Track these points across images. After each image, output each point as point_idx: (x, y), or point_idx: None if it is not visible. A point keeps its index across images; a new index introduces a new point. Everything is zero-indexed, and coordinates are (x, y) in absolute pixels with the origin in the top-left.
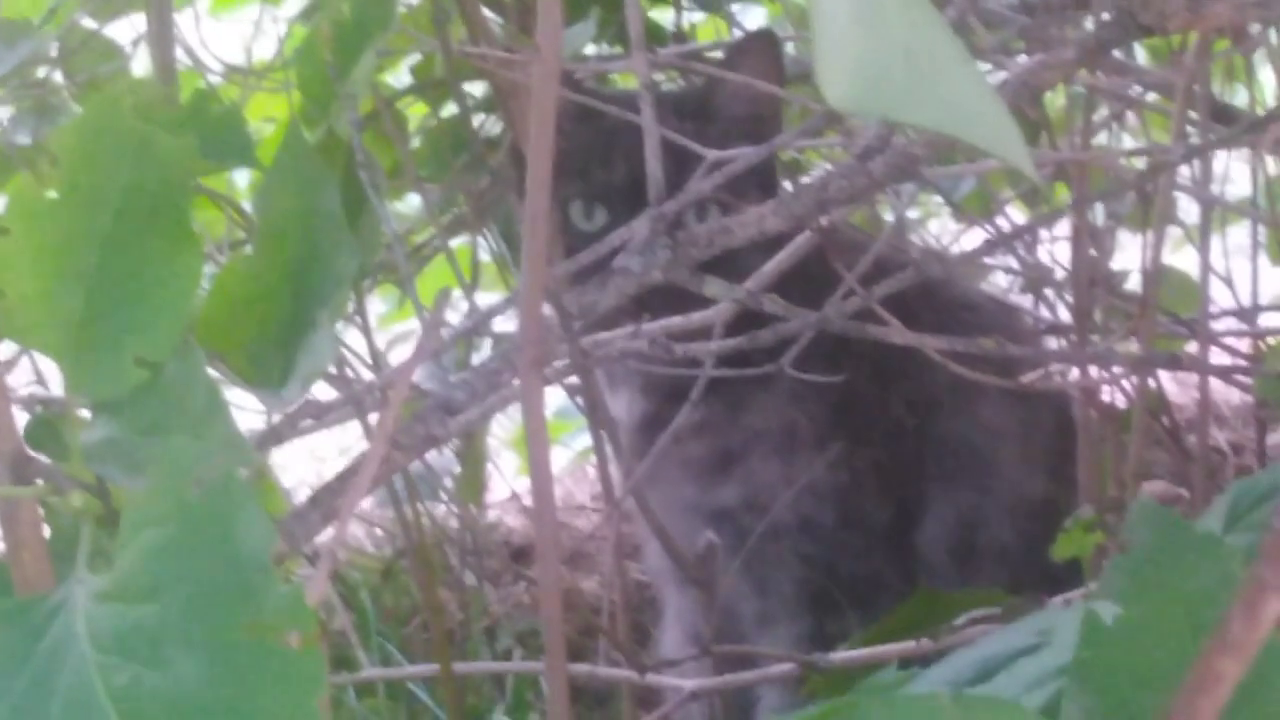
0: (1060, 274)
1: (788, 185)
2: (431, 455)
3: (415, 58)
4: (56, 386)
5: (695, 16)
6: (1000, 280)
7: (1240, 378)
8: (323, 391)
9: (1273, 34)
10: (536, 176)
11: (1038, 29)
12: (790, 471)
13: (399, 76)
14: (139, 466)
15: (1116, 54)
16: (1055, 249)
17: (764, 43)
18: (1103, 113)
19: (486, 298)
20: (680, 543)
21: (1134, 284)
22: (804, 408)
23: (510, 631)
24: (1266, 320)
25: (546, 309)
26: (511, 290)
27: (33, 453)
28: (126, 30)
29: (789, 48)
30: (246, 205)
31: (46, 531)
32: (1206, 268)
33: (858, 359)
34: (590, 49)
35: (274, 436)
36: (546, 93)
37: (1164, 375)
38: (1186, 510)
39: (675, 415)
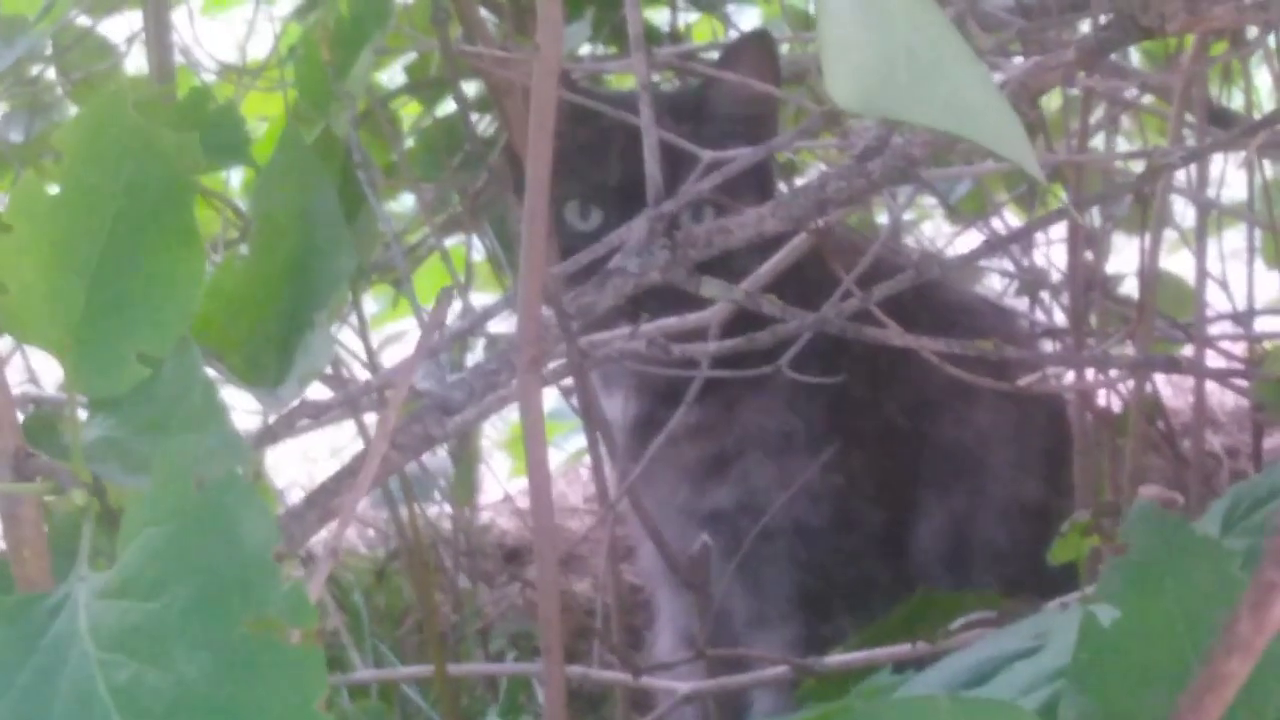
0: (1056, 277)
1: (783, 186)
2: (426, 456)
3: (408, 57)
4: (51, 385)
5: (690, 16)
6: (996, 283)
7: (1236, 381)
8: (318, 391)
9: (1270, 37)
10: (535, 178)
11: (1036, 31)
12: (785, 474)
13: (392, 76)
14: (136, 465)
15: (1113, 56)
16: (1051, 251)
17: (759, 43)
18: (1098, 114)
19: (480, 297)
20: (674, 545)
21: (1129, 287)
22: (799, 410)
23: (504, 633)
24: (1262, 324)
25: (544, 310)
26: (506, 289)
27: (32, 450)
28: (121, 28)
29: (784, 48)
30: (240, 202)
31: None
32: (1203, 272)
33: (853, 362)
34: (585, 49)
35: (270, 436)
36: (546, 95)
37: (1159, 379)
38: (1181, 515)
39: (670, 417)
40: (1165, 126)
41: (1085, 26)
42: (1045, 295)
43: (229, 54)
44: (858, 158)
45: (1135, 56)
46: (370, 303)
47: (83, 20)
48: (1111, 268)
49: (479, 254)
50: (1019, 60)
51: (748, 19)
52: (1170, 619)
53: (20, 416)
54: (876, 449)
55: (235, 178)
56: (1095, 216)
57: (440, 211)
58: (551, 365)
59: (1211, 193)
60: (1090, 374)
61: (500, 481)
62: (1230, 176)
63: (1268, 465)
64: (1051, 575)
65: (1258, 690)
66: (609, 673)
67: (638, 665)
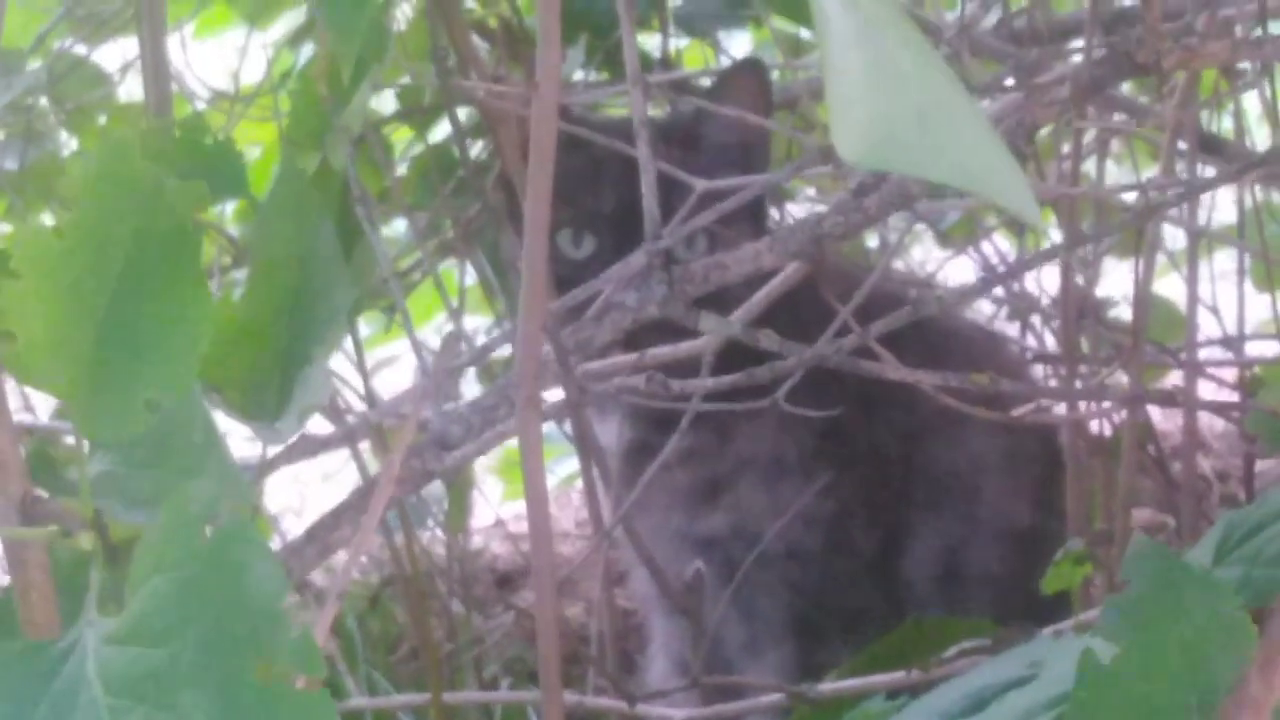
0: (1046, 301)
1: (775, 212)
2: None
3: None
4: (46, 413)
5: (681, 42)
6: (986, 308)
7: (1227, 383)
8: (314, 420)
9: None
10: (535, 217)
11: (1031, 70)
12: (777, 500)
13: (383, 100)
14: (138, 501)
15: None
16: (1041, 275)
17: (751, 71)
18: (1089, 136)
19: (472, 320)
20: (668, 571)
21: (1120, 309)
22: (791, 436)
23: (498, 660)
24: (1253, 348)
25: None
26: (498, 313)
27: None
28: (114, 56)
29: (775, 75)
30: (232, 230)
31: None
32: (1194, 299)
33: (845, 387)
34: (578, 75)
35: (268, 469)
36: (545, 134)
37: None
38: (1172, 538)
39: (663, 443)
40: (1155, 150)
41: (1077, 55)
42: (1036, 320)
43: (222, 80)
44: (854, 193)
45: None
46: (363, 325)
47: (76, 48)
48: (1102, 291)
49: (471, 277)
50: (1010, 82)
51: (738, 44)
52: (1169, 656)
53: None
54: (869, 474)
55: (228, 205)
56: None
57: (433, 237)
58: (549, 399)
59: (1202, 215)
60: (1083, 403)
61: (492, 506)
62: (1220, 198)
63: (1259, 491)
64: (1044, 600)
65: None
66: (604, 700)
67: (632, 693)
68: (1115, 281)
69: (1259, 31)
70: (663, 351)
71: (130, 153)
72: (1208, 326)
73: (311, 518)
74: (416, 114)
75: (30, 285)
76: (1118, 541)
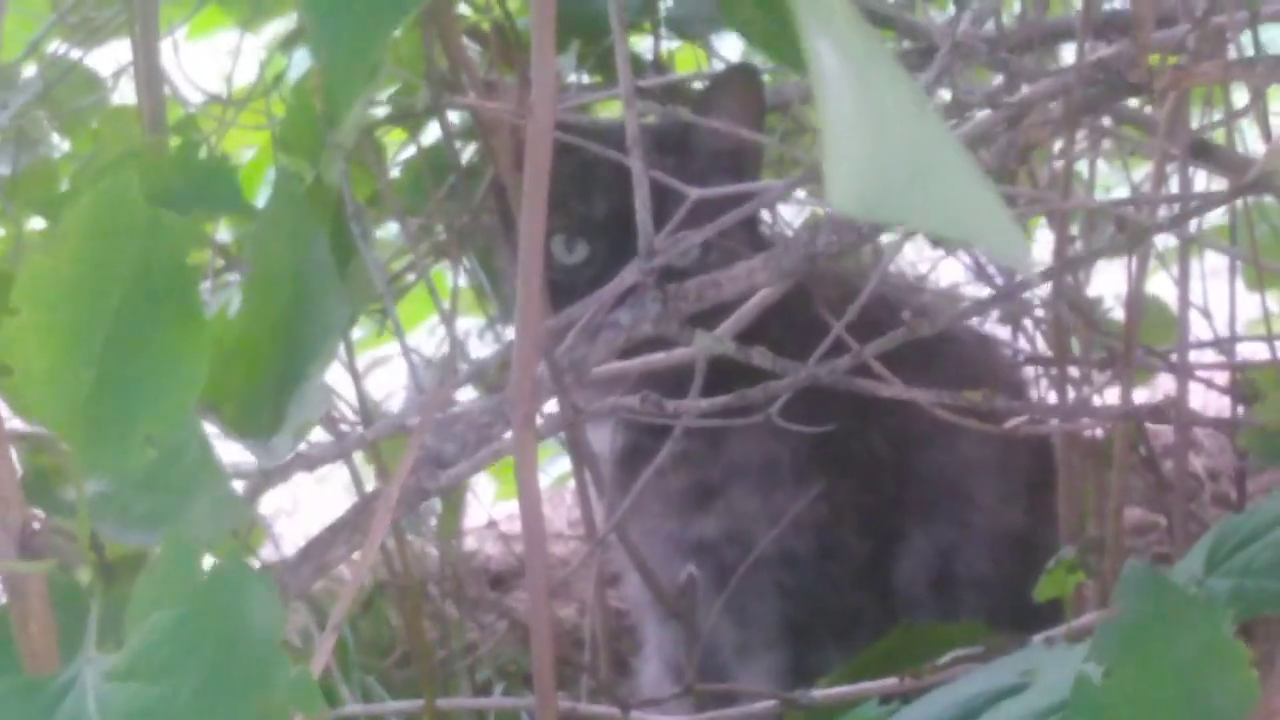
0: (1038, 301)
1: (765, 213)
2: None
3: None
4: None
5: (673, 43)
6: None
7: (1218, 387)
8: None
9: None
10: (530, 238)
11: (1024, 77)
12: (770, 504)
13: (376, 105)
14: (134, 522)
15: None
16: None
17: (744, 76)
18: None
19: (465, 322)
20: (660, 575)
21: (1112, 307)
22: (784, 441)
23: (491, 664)
24: (1244, 349)
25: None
26: (490, 318)
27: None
28: (108, 61)
29: (766, 78)
30: (224, 233)
31: None
32: (1185, 302)
33: (838, 393)
34: (570, 78)
35: (264, 485)
36: (539, 156)
37: (1141, 397)
38: (1162, 536)
39: (657, 448)
40: (1147, 150)
41: (1068, 57)
42: (1028, 322)
43: (215, 81)
44: None
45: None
46: (356, 328)
47: (70, 52)
48: (1093, 288)
49: (463, 279)
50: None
51: (730, 47)
52: (1163, 680)
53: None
54: (861, 479)
55: None
56: (1077, 244)
57: (425, 239)
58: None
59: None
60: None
61: (485, 506)
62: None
63: (1252, 497)
64: (1037, 605)
65: None
66: (598, 707)
67: (624, 693)
68: (1106, 279)
69: (1250, 36)
70: (656, 358)
71: (128, 189)
72: (1199, 328)
73: (305, 519)
74: (409, 117)
75: (29, 320)
76: (1110, 549)
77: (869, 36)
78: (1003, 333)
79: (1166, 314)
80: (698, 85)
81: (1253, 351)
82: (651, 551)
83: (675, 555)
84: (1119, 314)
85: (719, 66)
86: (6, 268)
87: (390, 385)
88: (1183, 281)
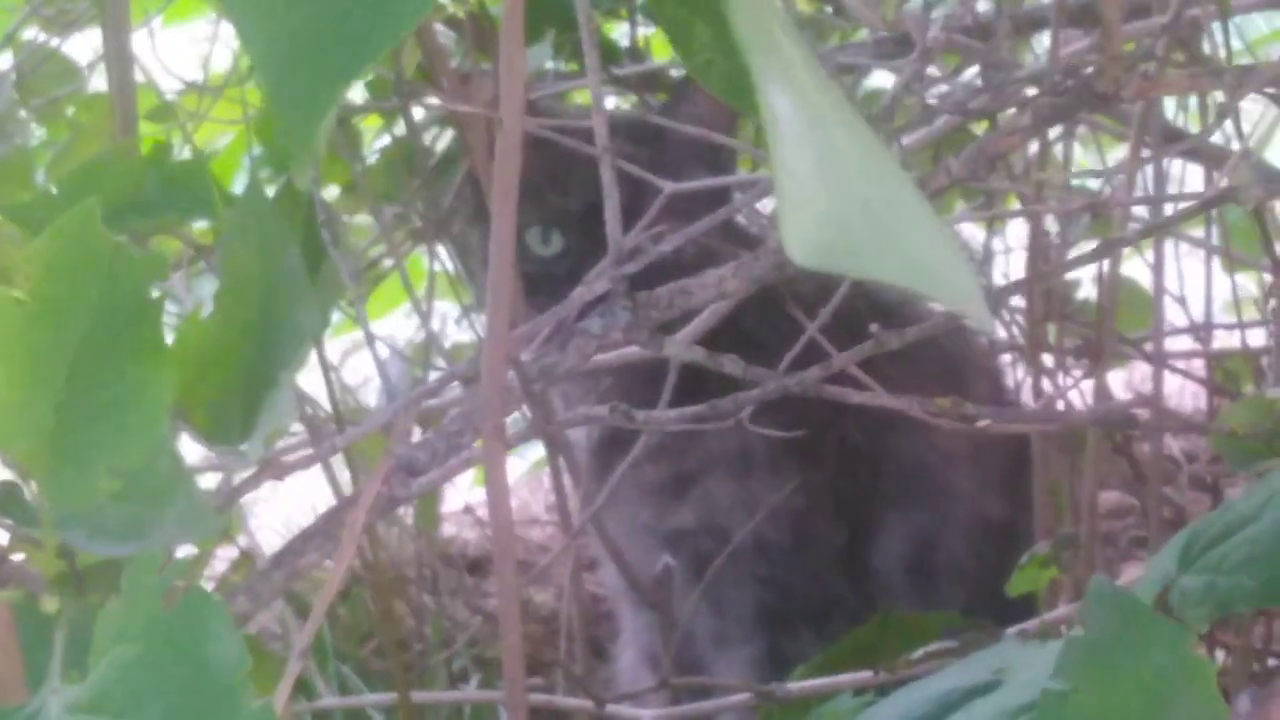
0: (1013, 285)
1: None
2: None
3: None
4: None
5: (650, 29)
6: None
7: (1194, 377)
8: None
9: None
10: (500, 248)
11: (999, 68)
12: (746, 494)
13: (353, 90)
14: (103, 533)
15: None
16: (1009, 263)
17: None
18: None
19: (441, 306)
20: (637, 564)
21: (1086, 289)
22: (760, 434)
23: (467, 654)
24: (1220, 333)
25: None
26: (465, 304)
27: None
28: (84, 50)
29: None
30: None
31: None
32: (1160, 290)
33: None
34: (548, 64)
35: (236, 494)
36: (508, 169)
37: (1117, 381)
38: (1139, 520)
39: (632, 438)
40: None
41: (1043, 42)
42: (1003, 311)
43: (191, 68)
44: None
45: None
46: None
47: (46, 40)
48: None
49: (440, 264)
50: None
51: None
52: (1127, 698)
53: None
54: (837, 467)
55: None
56: (1052, 230)
57: (400, 228)
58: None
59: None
60: (1048, 387)
61: (461, 493)
62: (1190, 179)
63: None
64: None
65: None
66: (573, 700)
67: (601, 680)
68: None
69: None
70: (631, 350)
71: (91, 222)
72: (1174, 313)
73: (281, 504)
74: (385, 104)
75: None
76: (1084, 542)
77: (827, 86)
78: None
79: (1141, 296)
80: (674, 73)
81: (1229, 336)
82: (628, 541)
83: (651, 545)
84: (1093, 291)
85: None
86: None
87: (367, 370)
88: (1157, 273)
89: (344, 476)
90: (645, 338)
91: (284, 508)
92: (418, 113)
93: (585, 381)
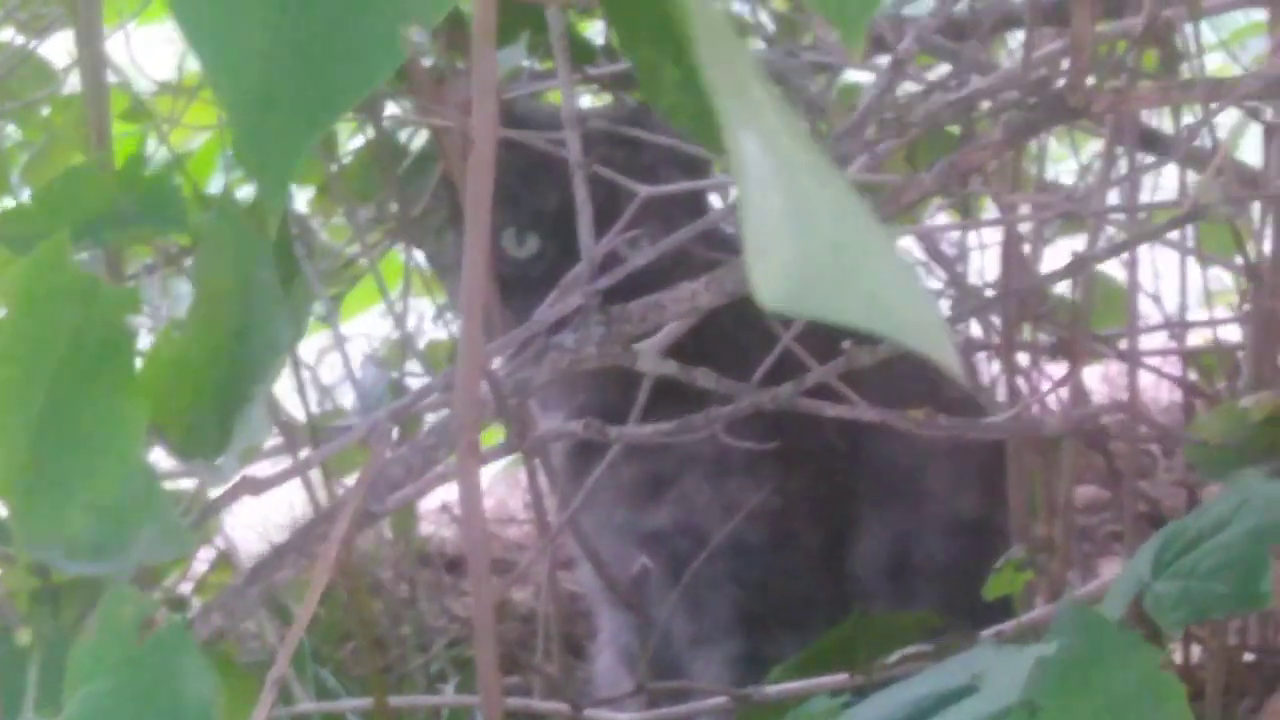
0: (988, 289)
1: (718, 201)
2: None
3: None
4: None
5: None
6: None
7: (1169, 376)
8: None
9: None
10: (473, 266)
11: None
12: (722, 494)
13: None
14: (80, 552)
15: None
16: (985, 257)
17: None
18: None
19: (416, 303)
20: (613, 564)
21: (1061, 285)
22: (736, 431)
23: (445, 655)
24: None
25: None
26: (440, 304)
27: None
28: (60, 54)
29: None
30: None
31: None
32: (1134, 287)
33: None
34: (524, 63)
35: (212, 510)
36: (481, 185)
37: (1092, 374)
38: (1115, 515)
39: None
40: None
41: (1017, 37)
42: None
43: (167, 67)
44: None
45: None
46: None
47: (23, 42)
48: (1044, 266)
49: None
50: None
51: None
52: (1098, 716)
53: None
54: (814, 468)
55: None
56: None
57: (376, 228)
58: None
59: (1144, 194)
60: (1024, 388)
61: (438, 489)
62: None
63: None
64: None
65: None
66: (549, 704)
67: (579, 678)
68: (1057, 254)
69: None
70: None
71: (64, 258)
72: (1148, 308)
73: (257, 503)
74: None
75: None
76: (1060, 542)
77: (796, 130)
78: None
79: (1116, 291)
80: None
81: (1204, 333)
82: (604, 542)
83: (628, 545)
84: (1068, 288)
85: None
86: None
87: (343, 368)
88: (1131, 272)
89: (318, 475)
90: (618, 351)
91: (260, 506)
92: (393, 112)
93: (562, 384)
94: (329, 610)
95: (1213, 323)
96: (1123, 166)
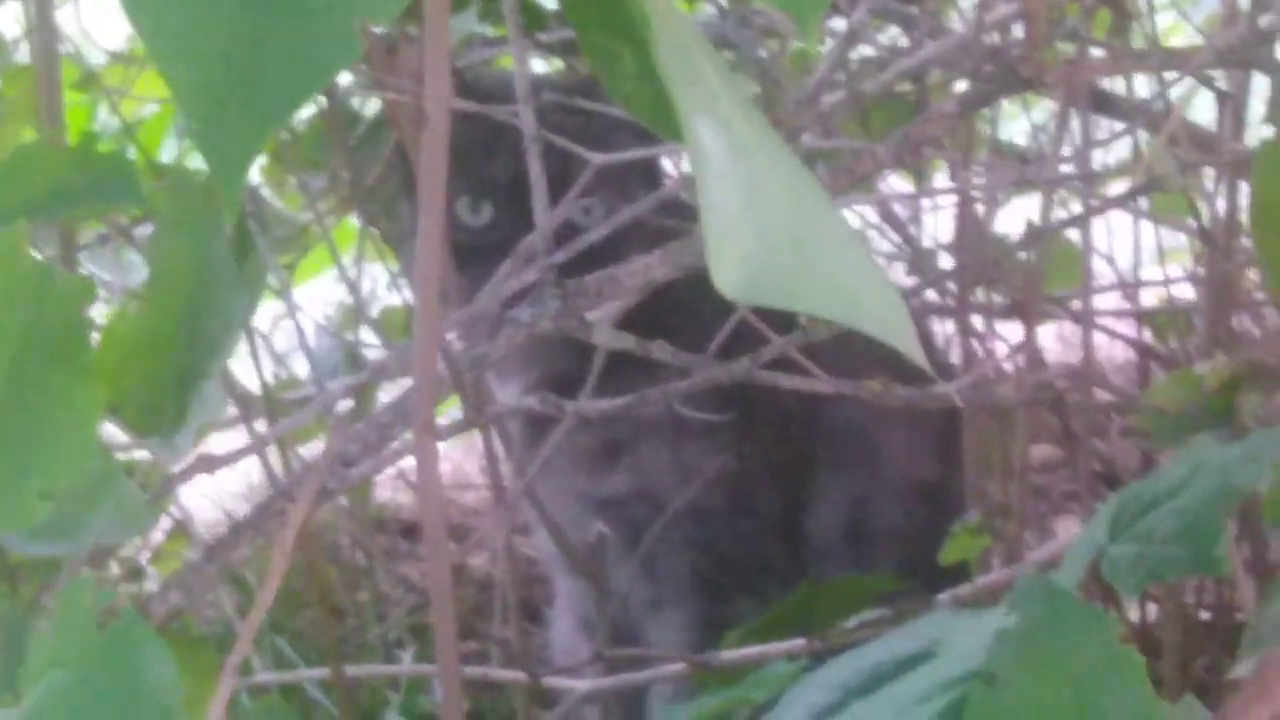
0: (941, 251)
1: (671, 167)
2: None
3: None
4: None
5: None
6: (881, 263)
7: (1123, 337)
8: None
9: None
10: (429, 241)
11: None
12: (678, 460)
13: None
14: (38, 532)
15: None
16: (938, 220)
17: None
18: None
19: (371, 269)
20: (570, 530)
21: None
22: (692, 396)
23: (403, 623)
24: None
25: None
26: (394, 271)
27: None
28: (10, 24)
29: None
30: None
31: None
32: (1089, 249)
33: (743, 348)
34: (477, 28)
35: (168, 487)
36: (436, 163)
37: (1046, 334)
38: (1070, 474)
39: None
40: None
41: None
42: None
43: (117, 39)
44: None
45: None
46: None
47: None
48: (997, 225)
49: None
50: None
51: None
52: (1059, 690)
53: None
54: (770, 432)
55: None
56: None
57: (328, 196)
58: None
59: (1096, 157)
60: (980, 351)
61: None
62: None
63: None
64: None
65: None
66: (508, 673)
67: (535, 670)
68: (1010, 215)
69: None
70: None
71: (19, 246)
72: (1102, 268)
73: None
74: None
75: None
76: (1016, 504)
77: (755, 119)
78: (907, 282)
79: (1070, 252)
80: None
81: (1158, 293)
82: (561, 508)
83: (584, 512)
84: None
85: None
86: None
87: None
88: (1085, 236)
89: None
90: (574, 325)
91: (215, 474)
92: (346, 79)
93: (517, 353)
94: (286, 579)
95: (1166, 282)
96: (1076, 128)
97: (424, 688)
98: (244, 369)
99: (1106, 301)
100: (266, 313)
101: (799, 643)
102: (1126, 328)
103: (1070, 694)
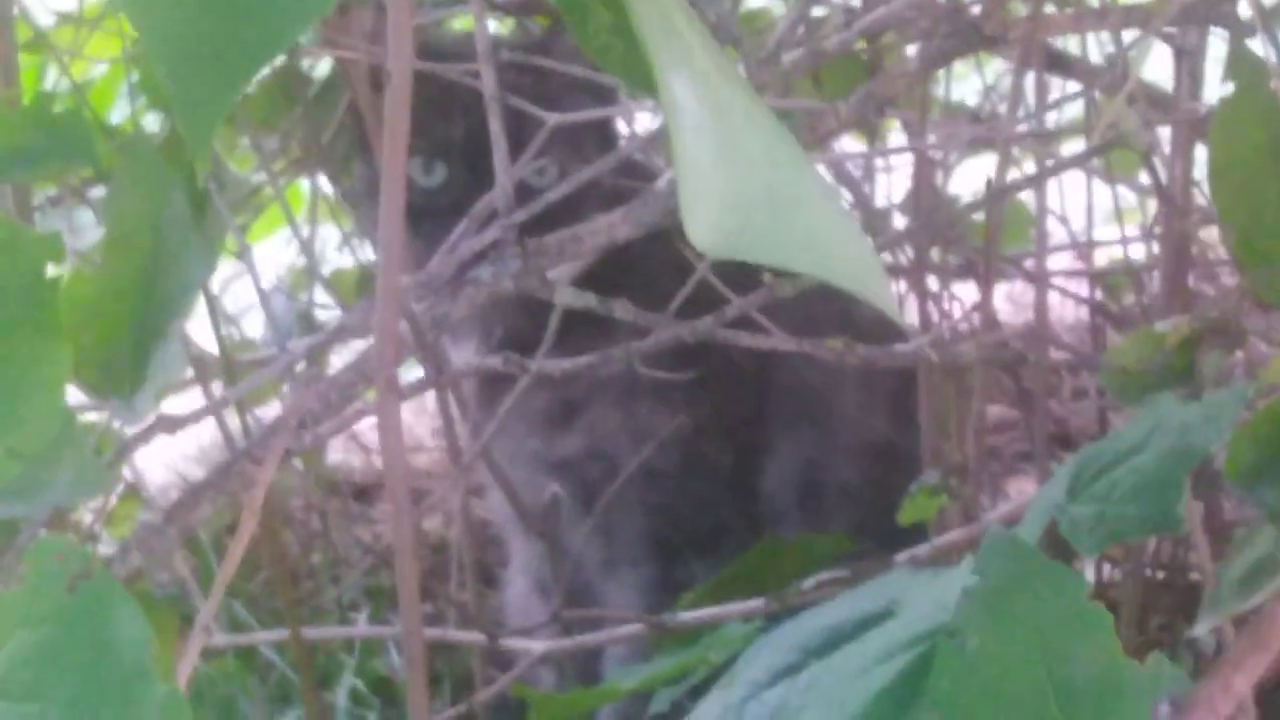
0: (895, 210)
1: (624, 127)
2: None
3: None
4: None
5: None
6: None
7: (1077, 297)
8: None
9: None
10: (391, 204)
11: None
12: (632, 420)
13: None
14: None
15: None
16: (891, 179)
17: None
18: None
19: (323, 230)
20: (525, 492)
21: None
22: (645, 356)
23: (357, 585)
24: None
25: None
26: (345, 229)
27: None
28: None
29: None
30: None
31: None
32: (1043, 210)
33: (699, 307)
34: None
35: (128, 448)
36: (398, 123)
37: (999, 293)
38: (1023, 434)
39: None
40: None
41: None
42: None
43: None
44: None
45: None
46: None
47: None
48: (952, 186)
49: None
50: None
51: None
52: (1026, 647)
53: None
54: (723, 392)
55: None
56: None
57: (281, 157)
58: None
59: (1051, 117)
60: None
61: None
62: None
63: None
64: None
65: None
66: (466, 634)
67: (493, 631)
68: (965, 174)
69: None
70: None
71: None
72: (1055, 229)
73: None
74: None
75: None
76: (971, 464)
77: (729, 74)
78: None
79: (1023, 212)
80: None
81: (1110, 252)
82: (515, 470)
83: (539, 473)
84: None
85: None
86: None
87: (249, 297)
88: (1039, 196)
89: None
90: (535, 284)
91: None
92: (299, 39)
93: (472, 313)
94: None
95: (1121, 241)
96: (1029, 87)
97: (378, 650)
98: (199, 330)
99: (1060, 261)
100: (218, 274)
101: (756, 604)
102: (1078, 287)
103: (1038, 650)
